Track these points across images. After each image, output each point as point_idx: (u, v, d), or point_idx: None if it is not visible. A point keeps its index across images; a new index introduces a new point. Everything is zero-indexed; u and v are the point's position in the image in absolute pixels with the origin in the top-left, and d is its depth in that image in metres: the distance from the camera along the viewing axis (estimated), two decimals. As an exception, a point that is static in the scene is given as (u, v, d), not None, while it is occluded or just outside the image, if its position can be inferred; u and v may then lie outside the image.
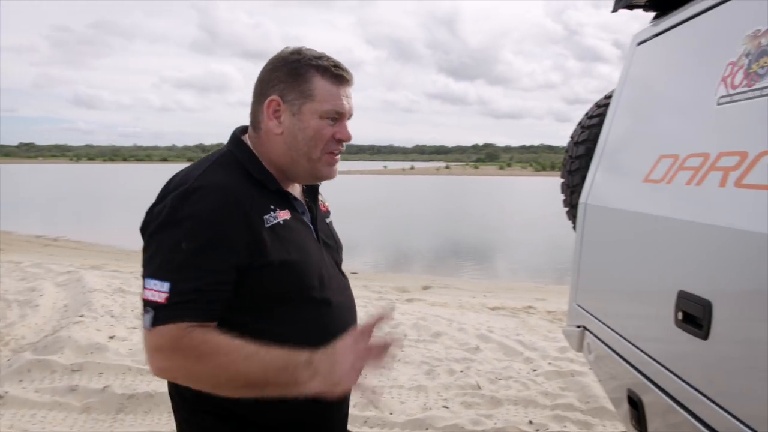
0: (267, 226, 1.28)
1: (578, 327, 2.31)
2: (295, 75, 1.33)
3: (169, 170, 1.60)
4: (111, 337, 5.06)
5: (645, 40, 2.19)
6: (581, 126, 2.62)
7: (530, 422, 3.84)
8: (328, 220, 1.58)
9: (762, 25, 1.44)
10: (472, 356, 5.14)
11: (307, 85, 1.32)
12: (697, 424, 1.44)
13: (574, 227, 2.44)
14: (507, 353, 5.29)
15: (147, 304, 1.20)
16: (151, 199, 1.32)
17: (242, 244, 1.24)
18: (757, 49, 1.43)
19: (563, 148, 2.77)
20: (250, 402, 1.25)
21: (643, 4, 2.21)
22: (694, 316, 1.44)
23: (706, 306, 1.40)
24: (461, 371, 4.73)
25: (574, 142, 2.61)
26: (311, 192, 1.50)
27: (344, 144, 1.41)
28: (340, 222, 1.71)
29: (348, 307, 1.49)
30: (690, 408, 1.49)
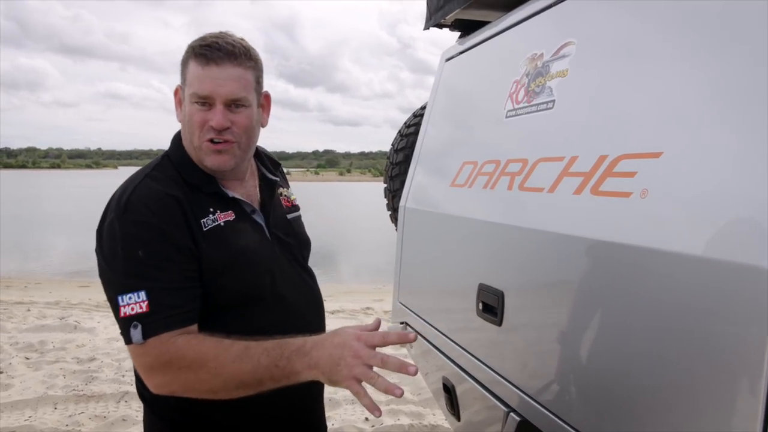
0: (205, 230, 1.28)
1: (401, 323, 2.45)
2: (183, 62, 1.33)
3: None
4: None
5: (452, 57, 2.40)
6: (400, 134, 2.78)
7: (366, 419, 3.97)
8: (291, 216, 1.54)
9: (538, 50, 1.66)
10: (311, 361, 5.18)
11: (186, 70, 1.31)
12: (497, 403, 1.61)
13: (396, 229, 2.58)
14: (345, 355, 5.41)
15: (130, 319, 1.17)
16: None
17: (187, 246, 1.25)
18: (534, 70, 1.65)
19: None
20: (208, 404, 1.24)
21: (449, 24, 2.42)
22: (491, 305, 1.62)
23: (500, 296, 1.58)
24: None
25: (394, 149, 2.77)
26: (269, 188, 1.47)
27: (231, 132, 1.30)
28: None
29: (307, 302, 1.47)
30: (491, 389, 1.67)
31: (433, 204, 2.19)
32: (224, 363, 1.16)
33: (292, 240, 1.50)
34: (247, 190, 1.43)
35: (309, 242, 1.59)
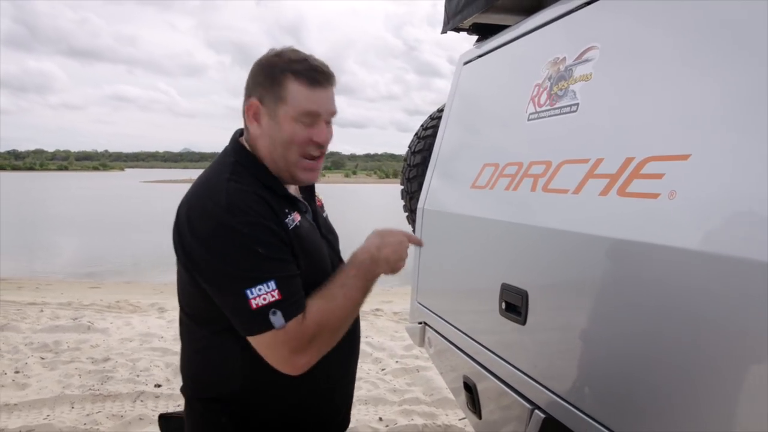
0: (290, 228, 1.37)
1: (419, 323, 2.49)
2: (271, 79, 1.36)
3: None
4: None
5: (470, 60, 2.43)
6: (417, 137, 2.81)
7: (380, 419, 4.00)
8: (324, 214, 1.66)
9: (560, 54, 1.69)
10: (323, 361, 5.21)
11: (282, 89, 1.35)
12: (522, 401, 1.64)
13: (414, 231, 2.61)
14: (357, 356, 5.44)
15: (266, 308, 1.24)
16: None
17: (287, 241, 1.34)
18: (556, 74, 1.68)
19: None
20: (273, 394, 1.39)
21: (467, 28, 2.45)
22: (515, 304, 1.65)
23: (524, 295, 1.60)
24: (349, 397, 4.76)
25: (412, 151, 2.80)
26: (308, 189, 1.57)
27: (323, 147, 1.43)
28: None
29: None
30: (515, 387, 1.69)
31: (453, 205, 2.22)
32: (343, 313, 1.36)
33: (332, 237, 1.61)
34: (295, 191, 1.53)
35: (338, 237, 1.70)
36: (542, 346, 1.57)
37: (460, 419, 3.96)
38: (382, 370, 5.04)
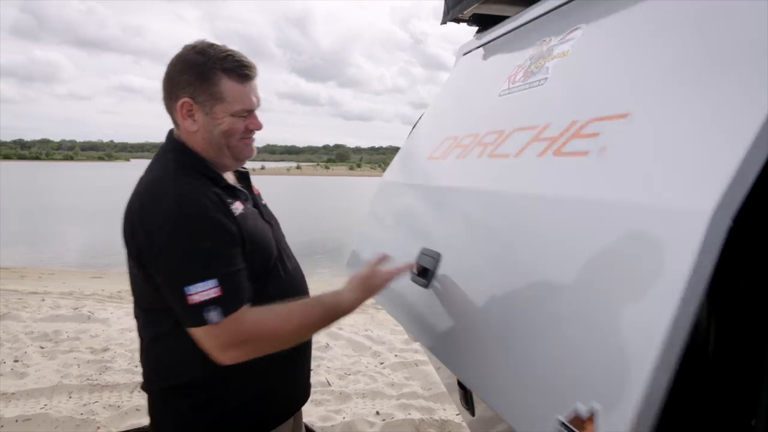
0: (236, 215, 1.39)
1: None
2: (202, 78, 1.39)
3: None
4: None
5: (469, 51, 2.40)
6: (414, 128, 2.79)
7: (377, 413, 3.98)
8: (263, 202, 1.69)
9: (547, 36, 1.67)
10: (322, 354, 5.19)
11: (216, 87, 1.39)
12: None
13: None
14: (356, 349, 5.42)
15: (203, 305, 1.27)
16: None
17: (236, 231, 1.37)
18: (537, 54, 1.67)
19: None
20: (235, 377, 1.40)
21: (467, 19, 2.41)
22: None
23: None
24: (311, 370, 4.76)
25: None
26: (245, 179, 1.62)
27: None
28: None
29: (298, 273, 1.65)
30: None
31: (404, 177, 2.24)
32: (293, 330, 1.38)
33: (273, 222, 1.65)
34: (233, 181, 1.57)
35: (279, 223, 1.75)
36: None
37: (457, 414, 3.94)
38: (381, 363, 5.02)
